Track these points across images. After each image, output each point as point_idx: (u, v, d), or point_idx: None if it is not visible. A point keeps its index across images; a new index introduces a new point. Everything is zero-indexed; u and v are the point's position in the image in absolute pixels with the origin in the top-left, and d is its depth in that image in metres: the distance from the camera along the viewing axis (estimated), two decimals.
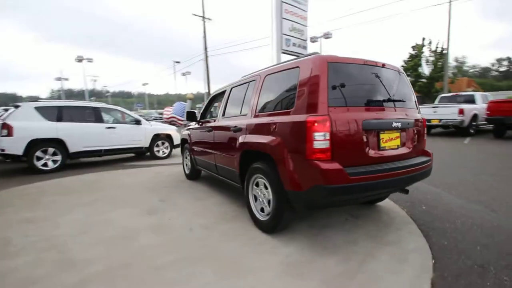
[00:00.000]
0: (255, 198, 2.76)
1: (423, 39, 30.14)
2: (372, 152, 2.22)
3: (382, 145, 2.28)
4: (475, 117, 10.54)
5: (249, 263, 2.09)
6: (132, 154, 7.97)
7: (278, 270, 1.99)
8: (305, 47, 19.83)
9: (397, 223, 2.82)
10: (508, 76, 58.40)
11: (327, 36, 20.89)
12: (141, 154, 8.20)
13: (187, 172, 5.07)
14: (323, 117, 2.02)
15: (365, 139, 2.18)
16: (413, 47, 30.66)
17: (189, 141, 4.74)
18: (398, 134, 2.40)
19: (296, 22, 18.81)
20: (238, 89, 3.40)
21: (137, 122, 7.30)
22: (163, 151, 7.84)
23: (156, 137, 7.61)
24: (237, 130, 2.96)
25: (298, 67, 2.32)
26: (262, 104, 2.71)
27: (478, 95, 11.49)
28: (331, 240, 2.44)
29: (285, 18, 18.09)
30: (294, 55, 18.59)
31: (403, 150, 2.46)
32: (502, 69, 62.17)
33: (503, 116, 9.00)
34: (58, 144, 5.95)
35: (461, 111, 10.11)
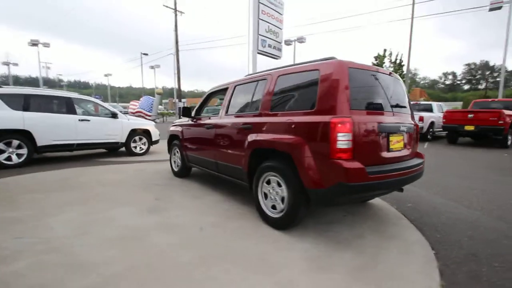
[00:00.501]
0: (265, 196, 2.80)
1: (385, 50, 32.61)
2: (383, 153, 2.40)
3: (391, 147, 2.48)
4: (432, 124, 11.74)
5: (272, 260, 2.13)
6: (103, 150, 7.46)
7: (302, 266, 2.05)
8: (279, 49, 20.25)
9: (391, 219, 3.07)
10: (452, 88, 65.85)
11: (301, 40, 21.55)
12: (114, 150, 7.72)
13: (175, 169, 4.91)
14: (346, 118, 2.14)
15: (379, 141, 2.35)
16: (375, 57, 33.07)
17: (180, 138, 4.59)
18: (402, 137, 2.63)
19: (272, 24, 19.14)
20: (244, 87, 3.40)
21: (114, 115, 6.85)
22: (140, 147, 7.46)
23: (133, 132, 7.22)
24: (247, 128, 2.97)
25: (317, 69, 2.41)
26: (276, 103, 2.76)
27: (435, 105, 12.78)
28: (341, 235, 2.58)
29: (261, 19, 18.30)
30: (269, 56, 18.83)
31: (405, 152, 2.69)
32: (448, 82, 69.90)
33: (456, 125, 10.16)
34: (24, 136, 5.35)
35: (421, 119, 11.19)
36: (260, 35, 18.07)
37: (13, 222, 2.69)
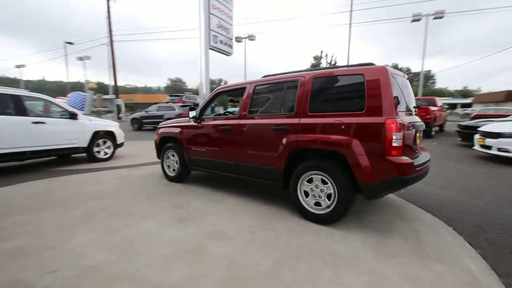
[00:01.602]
0: (306, 194, 2.91)
1: (321, 51, 35.62)
2: (414, 149, 2.77)
3: (417, 142, 2.87)
4: None
5: (342, 253, 2.26)
6: (50, 158, 6.38)
7: (372, 255, 2.25)
8: (231, 46, 20.25)
9: (400, 204, 3.53)
10: None
11: (251, 38, 21.84)
12: (66, 156, 6.66)
13: (170, 174, 4.57)
14: (398, 119, 2.41)
15: (413, 138, 2.71)
16: (314, 58, 35.90)
17: (179, 140, 4.29)
18: (419, 134, 3.06)
19: (223, 20, 18.98)
20: (267, 88, 3.40)
21: (73, 115, 5.91)
22: (104, 152, 6.61)
23: (96, 135, 6.35)
24: (282, 129, 3.00)
25: (362, 74, 2.61)
26: (315, 105, 2.86)
27: None
28: (375, 223, 2.88)
29: (212, 14, 17.98)
30: (221, 53, 18.62)
31: (421, 147, 3.14)
32: None
33: None
34: None
35: None
36: (211, 30, 17.77)
37: (23, 254, 2.18)
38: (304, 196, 2.93)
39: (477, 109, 16.69)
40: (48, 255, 2.16)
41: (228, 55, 20.47)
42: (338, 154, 2.64)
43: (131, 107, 48.23)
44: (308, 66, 35.03)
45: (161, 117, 15.19)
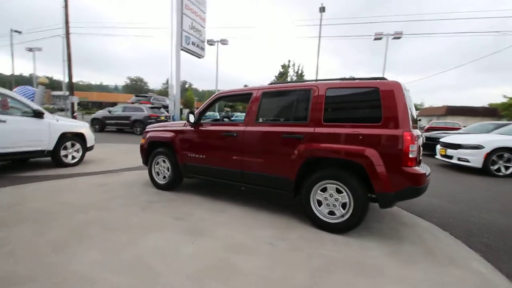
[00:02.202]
0: (319, 203, 2.92)
1: (289, 61, 36.88)
2: (420, 160, 2.96)
3: (421, 154, 3.07)
4: None
5: (367, 262, 2.30)
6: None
7: (394, 264, 2.32)
8: (203, 49, 19.93)
9: (395, 211, 3.73)
10: None
11: (224, 42, 21.67)
12: (24, 160, 5.86)
13: (160, 182, 4.25)
14: (413, 131, 2.55)
15: (419, 150, 2.89)
16: (282, 66, 37.00)
17: (173, 146, 4.02)
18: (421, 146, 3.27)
19: (195, 21, 18.60)
20: (277, 95, 3.36)
21: (38, 114, 5.20)
22: (72, 156, 5.93)
23: (63, 137, 5.67)
24: (296, 137, 2.99)
25: (377, 87, 2.72)
26: (329, 115, 2.90)
27: None
28: (382, 230, 2.99)
29: (185, 15, 17.56)
30: (193, 54, 18.19)
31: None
32: None
33: None
34: None
35: None
36: (184, 30, 17.34)
37: (17, 285, 1.81)
38: (317, 205, 2.94)
39: (432, 121, 18.62)
40: (52, 283, 1.82)
41: (199, 57, 20.10)
42: (354, 164, 2.70)
43: (85, 106, 44.36)
44: (276, 74, 35.89)
45: (127, 118, 14.23)
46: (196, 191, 4.22)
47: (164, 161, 4.21)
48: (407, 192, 2.55)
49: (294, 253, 2.40)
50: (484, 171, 6.46)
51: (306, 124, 2.99)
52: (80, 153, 6.07)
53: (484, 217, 3.59)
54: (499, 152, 6.33)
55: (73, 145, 5.91)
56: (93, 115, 15.91)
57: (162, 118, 14.89)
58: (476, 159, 6.51)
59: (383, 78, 2.88)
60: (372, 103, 2.73)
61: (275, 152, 3.15)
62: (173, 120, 17.31)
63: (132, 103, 17.26)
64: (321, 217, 2.90)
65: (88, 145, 6.28)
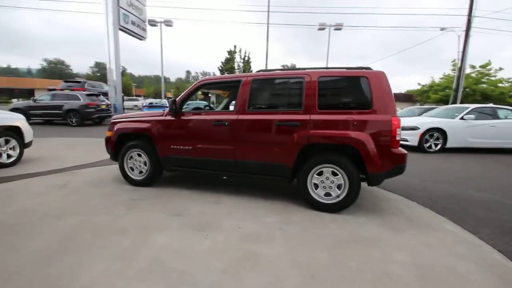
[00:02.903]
0: (316, 186, 3.10)
1: (235, 46, 36.41)
2: None
3: None
4: None
5: (370, 235, 2.58)
6: None
7: (388, 234, 2.64)
8: (144, 29, 18.29)
9: (367, 188, 4.18)
10: None
11: (168, 23, 19.99)
12: None
13: (136, 178, 3.88)
14: (398, 117, 2.88)
15: None
16: (228, 52, 36.35)
17: (151, 136, 3.69)
18: None
19: None
20: (268, 83, 3.35)
21: None
22: (8, 154, 4.93)
23: None
24: (292, 125, 3.06)
25: (366, 77, 2.96)
26: (323, 102, 3.04)
27: None
28: (367, 206, 3.35)
29: None
30: (133, 36, 16.62)
31: None
32: None
33: None
34: None
35: None
36: (121, 7, 15.58)
37: None
38: (314, 188, 3.11)
39: None
40: None
41: (141, 39, 18.31)
42: (349, 148, 2.92)
43: None
44: (222, 60, 35.17)
45: (58, 107, 12.31)
46: (179, 184, 4.00)
47: (139, 155, 3.85)
48: (394, 170, 2.90)
49: (305, 235, 2.53)
50: (419, 148, 7.65)
51: (301, 112, 3.09)
52: (17, 151, 5.07)
53: (438, 187, 4.31)
54: (430, 132, 7.56)
55: (7, 142, 4.90)
56: (11, 105, 13.24)
57: (103, 107, 13.31)
58: (413, 139, 7.65)
59: (368, 68, 3.13)
60: (362, 91, 2.97)
61: (271, 140, 3.19)
62: (115, 109, 15.65)
63: (62, 89, 14.89)
64: (318, 199, 3.09)
65: (26, 140, 5.29)
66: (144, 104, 16.13)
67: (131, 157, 3.90)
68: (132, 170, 3.93)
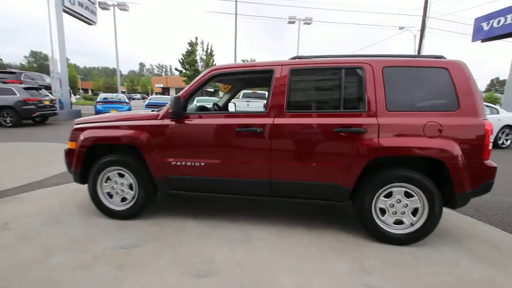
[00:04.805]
0: (382, 212, 2.35)
1: (196, 38, 34.38)
2: None
3: None
4: None
5: (478, 279, 1.91)
6: None
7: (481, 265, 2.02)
8: (94, 13, 15.90)
9: None
10: None
11: (123, 8, 17.49)
12: None
13: (118, 208, 2.72)
14: (489, 121, 2.25)
15: None
16: (189, 44, 34.16)
17: (141, 149, 2.56)
18: None
19: None
20: (312, 74, 2.47)
21: None
22: None
23: None
24: (355, 131, 2.25)
25: (446, 68, 2.27)
26: (393, 101, 2.28)
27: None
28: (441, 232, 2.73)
29: None
30: (81, 19, 14.36)
31: None
32: None
33: None
34: None
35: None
36: None
37: None
38: (380, 214, 2.35)
39: None
40: None
41: (90, 24, 15.81)
42: (432, 161, 2.22)
43: None
44: (183, 52, 32.95)
45: None
46: (174, 209, 2.93)
47: (121, 175, 2.68)
48: (481, 188, 2.26)
49: (349, 278, 1.76)
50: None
51: (364, 113, 2.29)
52: None
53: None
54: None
55: None
56: None
57: (46, 103, 11.00)
58: None
59: (441, 57, 2.44)
60: (443, 86, 2.27)
61: (323, 152, 2.34)
62: (61, 104, 13.22)
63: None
64: (386, 228, 2.35)
65: None
66: (97, 100, 13.82)
67: (108, 179, 2.71)
68: (111, 197, 2.74)
